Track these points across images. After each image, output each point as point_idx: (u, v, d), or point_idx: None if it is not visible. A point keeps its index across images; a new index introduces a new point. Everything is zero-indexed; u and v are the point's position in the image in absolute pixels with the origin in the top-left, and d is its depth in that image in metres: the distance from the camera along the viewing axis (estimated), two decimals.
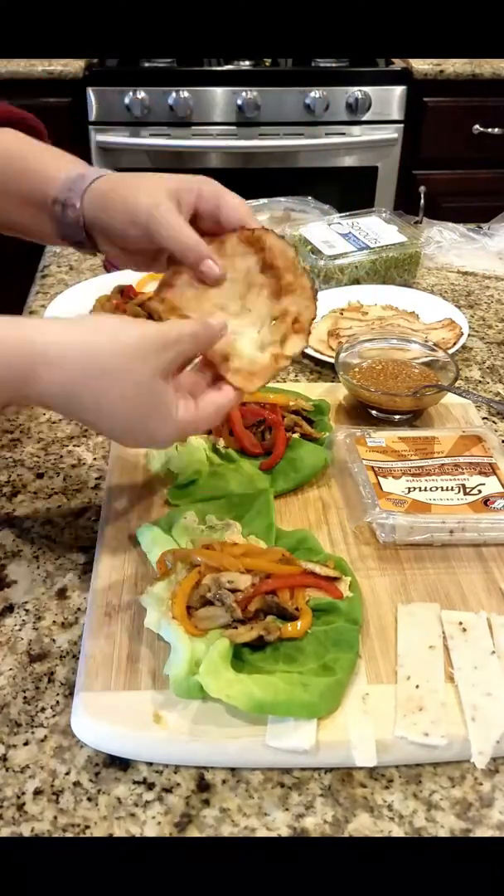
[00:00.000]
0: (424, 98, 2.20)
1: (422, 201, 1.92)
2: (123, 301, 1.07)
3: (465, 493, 0.75)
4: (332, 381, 0.99)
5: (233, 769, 0.57)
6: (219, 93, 2.11)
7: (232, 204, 0.70)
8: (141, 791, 0.55)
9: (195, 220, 0.69)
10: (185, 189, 0.69)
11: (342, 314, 1.13)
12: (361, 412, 0.92)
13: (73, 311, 1.07)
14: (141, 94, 2.08)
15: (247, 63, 2.16)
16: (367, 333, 1.01)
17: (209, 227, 0.70)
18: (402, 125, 2.21)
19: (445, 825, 0.54)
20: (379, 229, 1.26)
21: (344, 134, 2.19)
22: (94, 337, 0.61)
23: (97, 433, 0.63)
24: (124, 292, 1.09)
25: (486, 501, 0.74)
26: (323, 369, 1.03)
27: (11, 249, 0.86)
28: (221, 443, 0.81)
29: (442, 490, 0.75)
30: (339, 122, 2.17)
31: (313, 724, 0.56)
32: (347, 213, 1.32)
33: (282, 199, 1.44)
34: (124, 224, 0.69)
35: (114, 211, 0.69)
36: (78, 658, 0.63)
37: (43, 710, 0.60)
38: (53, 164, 0.73)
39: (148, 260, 0.73)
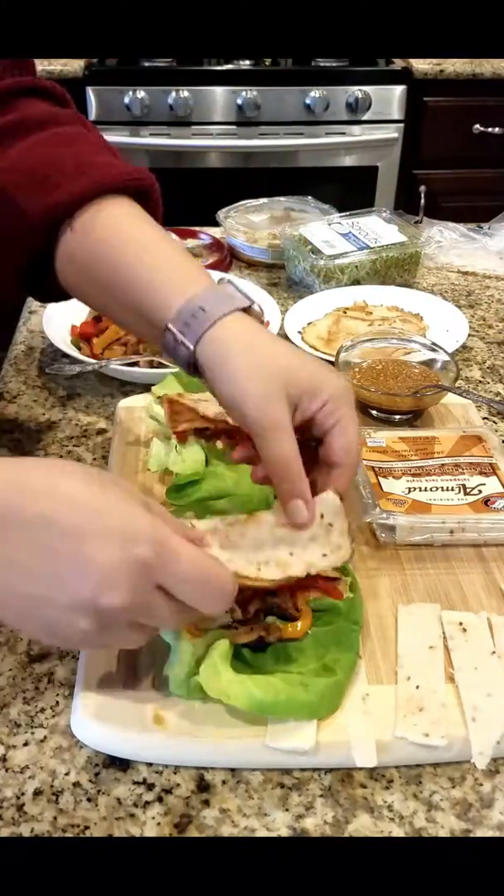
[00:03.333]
0: (424, 98, 2.20)
1: (422, 201, 1.92)
2: None
3: (466, 494, 0.75)
4: None
5: (233, 770, 0.57)
6: (219, 92, 2.11)
7: (341, 441, 0.60)
8: (141, 791, 0.55)
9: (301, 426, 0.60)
10: (310, 395, 0.59)
11: (345, 313, 1.13)
12: (361, 412, 0.92)
13: (73, 311, 1.06)
14: (141, 93, 2.07)
15: (247, 63, 2.16)
16: (367, 333, 1.01)
17: (309, 438, 0.61)
18: (402, 125, 2.21)
19: (446, 825, 0.54)
20: (379, 229, 1.26)
21: (344, 133, 2.19)
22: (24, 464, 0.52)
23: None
24: None
25: (487, 501, 0.74)
26: None
27: None
28: (220, 445, 0.81)
29: (442, 490, 0.75)
30: (339, 122, 2.17)
31: (313, 725, 0.56)
32: (347, 213, 1.32)
33: (282, 198, 1.44)
34: (230, 406, 0.59)
35: (222, 385, 0.59)
36: (78, 658, 0.63)
37: (43, 710, 0.60)
38: (175, 282, 0.62)
39: None
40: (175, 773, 0.56)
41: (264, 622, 0.61)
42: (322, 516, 0.61)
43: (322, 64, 2.17)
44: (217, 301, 0.60)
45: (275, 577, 0.58)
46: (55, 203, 0.65)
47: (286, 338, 1.06)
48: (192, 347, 0.60)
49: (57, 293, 0.72)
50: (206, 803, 0.55)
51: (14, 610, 0.50)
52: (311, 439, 0.62)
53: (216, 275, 0.69)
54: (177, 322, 0.60)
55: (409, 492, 0.75)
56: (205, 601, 0.51)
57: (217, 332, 0.59)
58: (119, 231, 0.65)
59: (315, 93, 2.12)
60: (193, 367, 0.61)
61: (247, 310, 0.61)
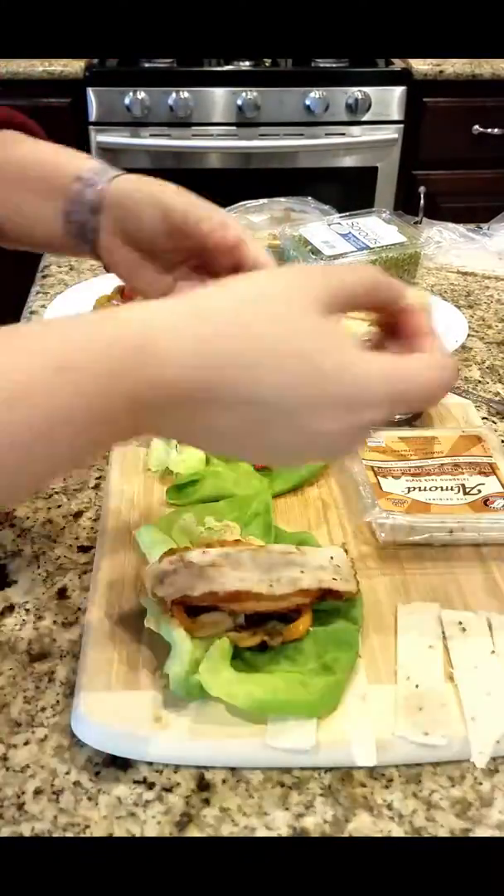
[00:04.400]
0: (424, 98, 2.20)
1: (422, 201, 1.92)
2: (123, 301, 1.07)
3: (465, 493, 0.75)
4: None
5: (233, 769, 0.57)
6: (219, 93, 2.12)
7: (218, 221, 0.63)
8: (141, 791, 0.55)
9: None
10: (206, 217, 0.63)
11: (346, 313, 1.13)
12: None
13: (73, 311, 1.07)
14: (141, 94, 2.08)
15: (247, 63, 2.16)
16: (367, 333, 1.01)
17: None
18: (401, 125, 2.21)
19: (445, 825, 0.54)
20: (379, 229, 1.26)
21: (344, 134, 2.19)
22: (218, 289, 0.47)
23: (253, 432, 0.46)
24: (124, 292, 1.09)
25: (486, 501, 0.74)
26: None
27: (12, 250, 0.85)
28: None
29: (442, 490, 0.75)
30: (338, 123, 2.18)
31: (313, 724, 0.56)
32: (347, 214, 1.32)
33: (282, 199, 1.44)
34: (150, 210, 0.61)
35: (143, 201, 0.62)
36: (78, 658, 0.63)
37: (43, 709, 0.60)
38: (75, 154, 0.67)
39: (158, 265, 0.65)
40: (175, 773, 0.56)
41: (266, 627, 0.61)
42: (332, 558, 0.65)
43: (322, 64, 2.17)
44: (106, 169, 0.65)
45: (286, 591, 0.60)
46: None
47: None
48: (100, 186, 0.63)
49: None
50: (207, 802, 0.55)
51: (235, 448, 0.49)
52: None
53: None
54: (85, 172, 0.64)
55: (409, 491, 0.75)
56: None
57: (125, 177, 0.64)
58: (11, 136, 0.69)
59: (315, 93, 2.12)
60: (94, 209, 0.64)
61: None
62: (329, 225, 1.28)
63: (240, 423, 0.44)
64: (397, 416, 0.90)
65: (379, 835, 0.53)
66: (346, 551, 0.67)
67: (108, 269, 0.69)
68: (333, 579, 0.63)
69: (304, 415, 0.44)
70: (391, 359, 0.47)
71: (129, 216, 0.63)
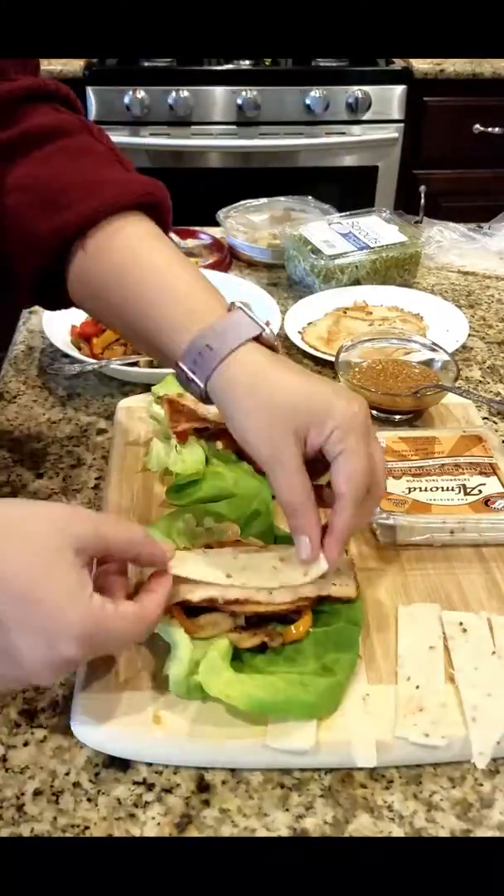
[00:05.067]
0: (424, 98, 2.20)
1: (422, 201, 1.92)
2: None
3: (466, 494, 0.75)
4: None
5: (233, 770, 0.57)
6: (219, 92, 2.11)
7: (343, 472, 0.57)
8: (141, 791, 0.55)
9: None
10: (316, 425, 0.57)
11: (346, 313, 1.13)
12: None
13: (73, 311, 1.06)
14: (141, 93, 2.07)
15: (247, 63, 2.16)
16: (367, 333, 1.01)
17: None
18: (402, 125, 2.21)
19: (446, 826, 0.53)
20: (379, 229, 1.26)
21: (344, 133, 2.19)
22: None
23: None
24: None
25: (487, 501, 0.74)
26: (323, 369, 1.03)
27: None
28: (220, 445, 0.81)
29: (442, 490, 0.75)
30: (339, 122, 2.17)
31: (313, 725, 0.56)
32: (347, 213, 1.32)
33: (282, 198, 1.44)
34: (240, 439, 0.60)
35: (233, 424, 0.60)
36: None
37: (43, 710, 0.60)
38: (183, 313, 0.62)
39: None
40: (175, 773, 0.56)
41: (266, 628, 0.61)
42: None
43: (322, 64, 2.17)
44: (225, 335, 0.59)
45: (286, 599, 0.61)
46: (65, 223, 0.64)
47: (286, 338, 1.06)
48: (202, 385, 0.60)
49: (66, 304, 0.71)
50: (206, 803, 0.55)
51: None
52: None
53: (231, 292, 0.68)
54: (186, 360, 0.60)
55: (410, 492, 0.75)
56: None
57: (225, 371, 0.59)
58: (131, 256, 0.64)
59: (315, 93, 2.11)
60: (208, 400, 0.62)
61: (258, 337, 0.60)
62: (329, 224, 1.28)
63: None
64: (397, 417, 0.90)
65: (379, 836, 0.53)
66: (346, 552, 0.67)
67: None
68: (333, 584, 0.63)
69: (13, 632, 0.49)
70: (100, 605, 0.51)
71: (230, 427, 0.61)
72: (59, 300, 0.71)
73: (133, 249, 0.65)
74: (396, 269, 1.23)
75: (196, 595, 0.59)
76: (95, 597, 0.51)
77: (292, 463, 0.57)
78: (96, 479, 0.83)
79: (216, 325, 0.60)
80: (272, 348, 0.61)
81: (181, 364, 0.61)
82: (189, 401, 0.79)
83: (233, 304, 0.62)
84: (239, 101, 2.11)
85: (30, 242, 0.65)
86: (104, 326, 0.82)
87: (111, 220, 0.64)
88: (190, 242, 1.34)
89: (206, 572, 0.60)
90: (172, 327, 0.61)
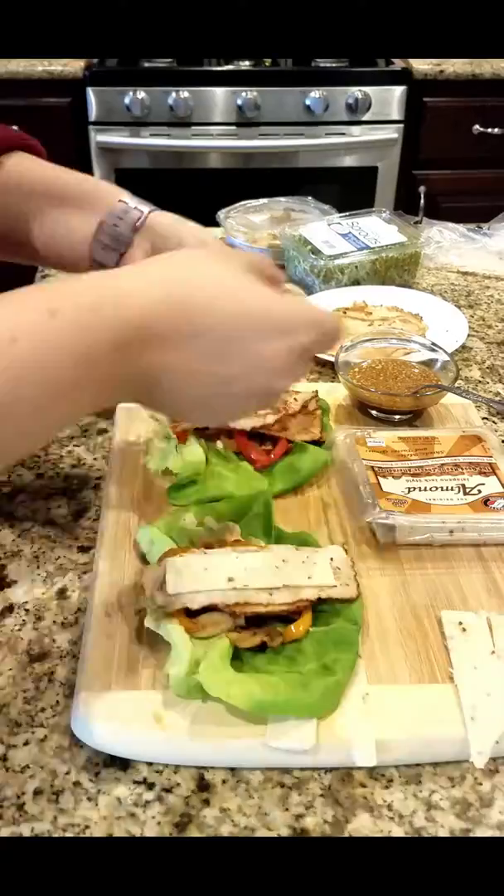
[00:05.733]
0: (424, 98, 2.20)
1: (422, 201, 1.92)
2: None
3: (465, 493, 0.75)
4: (332, 381, 0.99)
5: (233, 769, 0.57)
6: (219, 93, 2.12)
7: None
8: (141, 791, 0.55)
9: None
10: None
11: (345, 313, 1.13)
12: (361, 412, 0.92)
13: None
14: (141, 94, 2.08)
15: (247, 63, 2.16)
16: (367, 333, 1.01)
17: None
18: (401, 125, 2.21)
19: (445, 825, 0.54)
20: (379, 229, 1.26)
21: (344, 134, 2.19)
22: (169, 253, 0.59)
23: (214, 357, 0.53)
24: None
25: (486, 501, 0.74)
26: (323, 369, 1.03)
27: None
28: (220, 444, 0.81)
29: (442, 490, 0.75)
30: (339, 122, 2.18)
31: (313, 724, 0.56)
32: (347, 213, 1.32)
33: (282, 199, 1.44)
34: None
35: (176, 238, 0.73)
36: (78, 658, 0.63)
37: (43, 709, 0.60)
38: (89, 207, 0.74)
39: None
40: (175, 773, 0.56)
41: (267, 628, 0.61)
42: (332, 559, 0.65)
43: (322, 64, 2.17)
44: (119, 233, 0.73)
45: (286, 600, 0.61)
46: None
47: None
48: (116, 259, 0.73)
49: None
50: (206, 803, 0.55)
51: (190, 402, 0.54)
52: None
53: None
54: (109, 217, 0.73)
55: (409, 492, 0.75)
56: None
57: (152, 218, 0.74)
58: (25, 171, 0.76)
59: (315, 93, 2.12)
60: (134, 230, 0.73)
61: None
62: (329, 225, 1.28)
63: (201, 356, 0.51)
64: (397, 417, 0.90)
65: (379, 835, 0.53)
66: (346, 551, 0.67)
67: None
68: (333, 586, 0.63)
69: (252, 339, 0.53)
70: (303, 299, 0.61)
71: (165, 245, 0.73)
72: None
73: (25, 166, 0.76)
74: (396, 269, 1.23)
75: (196, 602, 0.60)
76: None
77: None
78: (96, 479, 0.83)
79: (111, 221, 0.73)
80: None
81: (105, 221, 0.72)
82: None
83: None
84: (239, 102, 2.11)
85: None
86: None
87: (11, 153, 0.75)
88: None
89: (206, 580, 0.61)
90: (101, 189, 0.75)
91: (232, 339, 0.52)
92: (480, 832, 0.53)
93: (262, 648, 0.61)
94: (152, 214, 0.74)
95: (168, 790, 0.55)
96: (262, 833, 0.53)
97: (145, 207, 0.74)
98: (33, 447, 0.58)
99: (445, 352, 0.96)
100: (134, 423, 0.87)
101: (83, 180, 0.76)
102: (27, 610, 0.68)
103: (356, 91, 2.13)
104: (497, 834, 0.53)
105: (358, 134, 2.20)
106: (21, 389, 0.45)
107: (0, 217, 0.77)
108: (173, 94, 2.08)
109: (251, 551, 0.64)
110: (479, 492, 0.75)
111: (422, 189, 1.99)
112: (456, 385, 0.94)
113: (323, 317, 0.58)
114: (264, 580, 0.61)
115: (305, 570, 0.63)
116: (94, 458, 0.86)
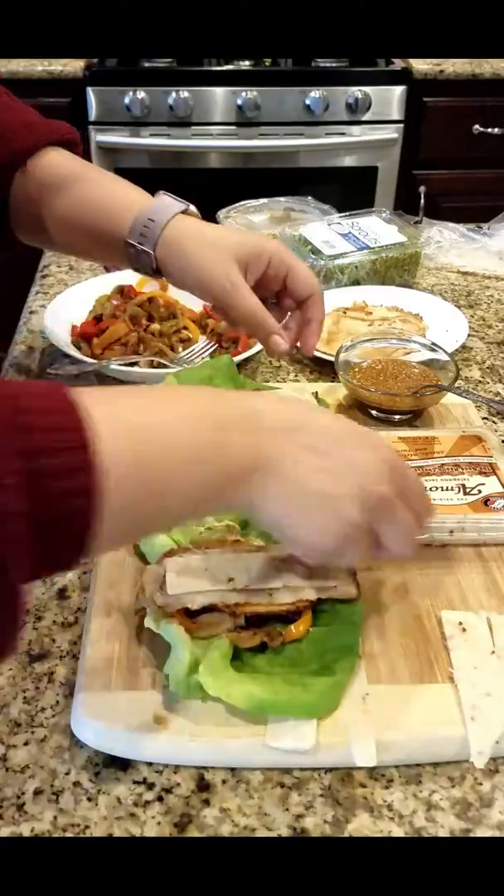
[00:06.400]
0: (424, 98, 2.20)
1: (422, 201, 1.92)
2: (123, 301, 1.07)
3: (465, 493, 0.75)
4: (332, 381, 0.99)
5: (233, 769, 0.57)
6: (219, 93, 2.11)
7: (301, 277, 0.77)
8: (141, 791, 0.55)
9: (258, 284, 0.76)
10: (255, 257, 0.75)
11: (345, 313, 1.13)
12: (361, 412, 0.92)
13: (72, 310, 1.07)
14: (141, 94, 2.07)
15: (247, 63, 2.16)
16: (367, 333, 1.01)
17: (271, 292, 0.78)
18: (401, 125, 2.21)
19: (445, 825, 0.54)
20: (379, 229, 1.26)
21: (344, 134, 2.19)
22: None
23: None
24: (124, 292, 1.09)
25: (486, 501, 0.74)
26: (323, 369, 1.03)
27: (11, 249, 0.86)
28: None
29: (442, 490, 0.75)
30: (338, 122, 2.17)
31: (313, 724, 0.56)
32: (347, 213, 1.32)
33: (282, 199, 1.44)
34: (196, 286, 0.76)
35: (185, 273, 0.75)
36: (78, 658, 0.63)
37: (43, 709, 0.60)
38: (122, 203, 0.78)
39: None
40: (175, 773, 0.56)
41: (267, 628, 0.61)
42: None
43: (322, 64, 2.17)
44: (161, 210, 0.76)
45: (286, 600, 0.61)
46: (14, 151, 0.79)
47: None
48: (152, 252, 0.75)
49: (6, 238, 0.85)
50: (207, 803, 0.55)
51: (296, 511, 0.54)
52: (269, 298, 0.80)
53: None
54: (133, 235, 0.75)
55: None
56: (423, 508, 0.59)
57: (169, 234, 0.75)
58: (70, 170, 0.80)
59: (315, 93, 2.12)
60: (156, 270, 0.77)
61: (185, 211, 0.77)
62: (329, 225, 1.28)
63: (315, 449, 0.54)
64: (397, 417, 0.91)
65: (379, 835, 0.53)
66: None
67: (106, 269, 0.79)
68: (333, 587, 0.63)
69: (348, 445, 0.56)
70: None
71: (176, 279, 0.77)
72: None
73: (69, 166, 0.80)
74: (396, 269, 1.23)
75: (196, 602, 0.60)
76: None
77: (244, 284, 0.74)
78: None
79: (151, 205, 0.76)
80: (199, 218, 0.78)
81: (130, 241, 0.75)
82: None
83: (157, 193, 0.79)
84: (239, 102, 2.11)
85: None
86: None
87: (43, 151, 0.80)
88: None
89: (206, 580, 0.61)
90: (116, 213, 0.77)
91: (336, 441, 0.55)
92: (480, 832, 0.53)
93: (262, 648, 0.61)
94: (162, 244, 0.76)
95: (168, 790, 0.55)
96: (262, 833, 0.53)
97: (151, 236, 0.76)
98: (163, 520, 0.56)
99: (445, 352, 0.96)
100: None
101: (97, 206, 0.79)
102: (27, 610, 0.68)
103: (356, 91, 2.13)
104: (497, 834, 0.53)
105: (358, 134, 2.20)
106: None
107: (26, 204, 0.81)
108: (173, 94, 2.08)
109: (251, 551, 0.64)
110: (480, 492, 0.75)
111: (422, 189, 1.98)
112: (456, 385, 0.94)
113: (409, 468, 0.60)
114: (264, 580, 0.61)
115: (302, 574, 0.63)
116: None
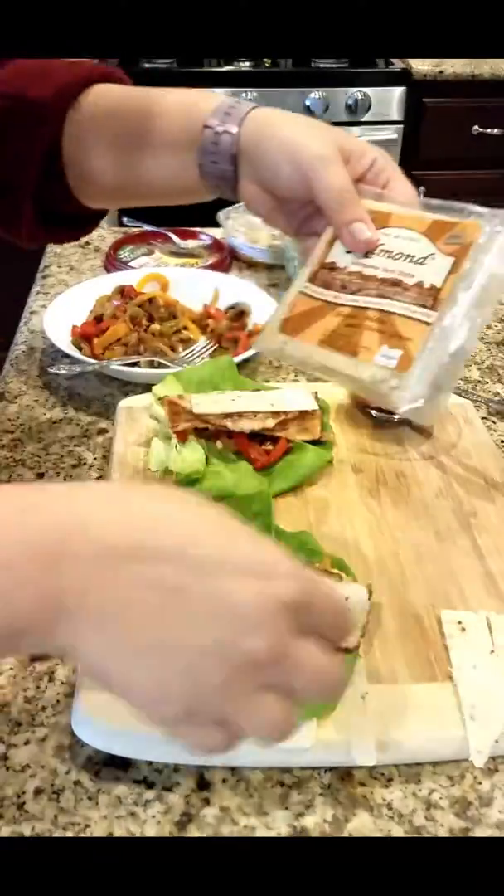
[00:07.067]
0: (424, 99, 2.20)
1: None
2: (124, 301, 1.07)
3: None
4: None
5: (233, 768, 0.57)
6: (219, 93, 2.12)
7: (401, 189, 0.65)
8: (141, 790, 0.55)
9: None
10: (359, 152, 0.65)
11: None
12: (361, 412, 0.92)
13: (73, 310, 1.07)
14: None
15: (247, 63, 2.16)
16: None
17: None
18: (401, 126, 2.21)
19: (445, 824, 0.54)
20: None
21: None
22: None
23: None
24: (124, 293, 1.09)
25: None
26: None
27: (11, 249, 0.85)
28: (220, 444, 0.81)
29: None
30: (338, 123, 2.17)
31: (313, 724, 0.56)
32: None
33: None
34: (282, 163, 0.63)
35: (274, 149, 0.64)
36: None
37: (43, 709, 0.60)
38: (201, 96, 0.69)
39: (287, 214, 0.68)
40: (175, 772, 0.56)
41: None
42: (347, 598, 0.59)
43: (322, 65, 2.17)
44: (240, 102, 0.67)
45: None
46: (64, 84, 0.70)
47: None
48: (236, 129, 0.65)
49: (69, 203, 0.73)
50: (207, 802, 0.55)
51: (124, 668, 0.41)
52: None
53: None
54: (215, 118, 0.66)
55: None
56: (343, 638, 0.46)
57: (258, 112, 0.66)
58: (125, 95, 0.72)
59: (315, 94, 2.12)
60: (233, 158, 0.66)
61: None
62: None
63: (159, 584, 0.39)
64: (397, 417, 0.90)
65: (379, 834, 0.53)
66: (370, 592, 0.63)
67: (106, 269, 0.68)
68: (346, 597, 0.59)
69: (218, 573, 0.40)
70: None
71: (258, 160, 0.65)
72: (60, 206, 0.73)
73: (125, 91, 0.72)
74: None
75: None
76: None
77: (340, 160, 0.63)
78: (97, 479, 0.83)
79: (228, 98, 0.68)
80: None
81: (210, 122, 0.65)
82: (188, 402, 0.79)
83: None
84: None
85: (28, 115, 0.69)
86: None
87: (92, 87, 0.71)
88: (190, 243, 1.34)
89: None
90: (196, 107, 0.67)
91: (204, 571, 0.40)
92: (480, 831, 0.53)
93: None
94: (244, 132, 0.65)
95: (168, 789, 0.55)
96: (261, 832, 0.53)
97: (233, 121, 0.66)
98: None
99: None
100: (134, 423, 0.87)
101: (165, 109, 0.68)
102: None
103: (356, 92, 2.13)
104: (497, 833, 0.53)
105: (358, 134, 2.19)
106: None
107: (83, 143, 0.71)
108: None
109: None
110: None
111: (422, 189, 1.99)
112: (456, 385, 0.94)
113: (316, 582, 0.43)
114: None
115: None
116: (95, 458, 0.87)
